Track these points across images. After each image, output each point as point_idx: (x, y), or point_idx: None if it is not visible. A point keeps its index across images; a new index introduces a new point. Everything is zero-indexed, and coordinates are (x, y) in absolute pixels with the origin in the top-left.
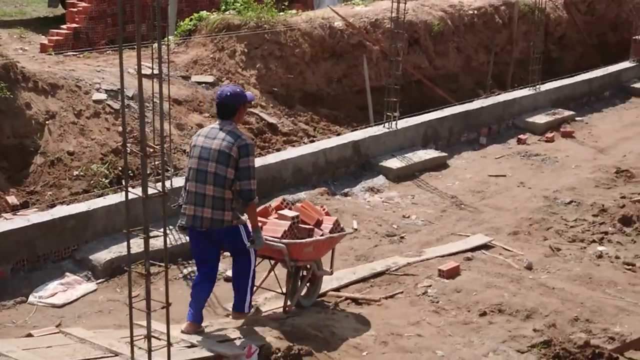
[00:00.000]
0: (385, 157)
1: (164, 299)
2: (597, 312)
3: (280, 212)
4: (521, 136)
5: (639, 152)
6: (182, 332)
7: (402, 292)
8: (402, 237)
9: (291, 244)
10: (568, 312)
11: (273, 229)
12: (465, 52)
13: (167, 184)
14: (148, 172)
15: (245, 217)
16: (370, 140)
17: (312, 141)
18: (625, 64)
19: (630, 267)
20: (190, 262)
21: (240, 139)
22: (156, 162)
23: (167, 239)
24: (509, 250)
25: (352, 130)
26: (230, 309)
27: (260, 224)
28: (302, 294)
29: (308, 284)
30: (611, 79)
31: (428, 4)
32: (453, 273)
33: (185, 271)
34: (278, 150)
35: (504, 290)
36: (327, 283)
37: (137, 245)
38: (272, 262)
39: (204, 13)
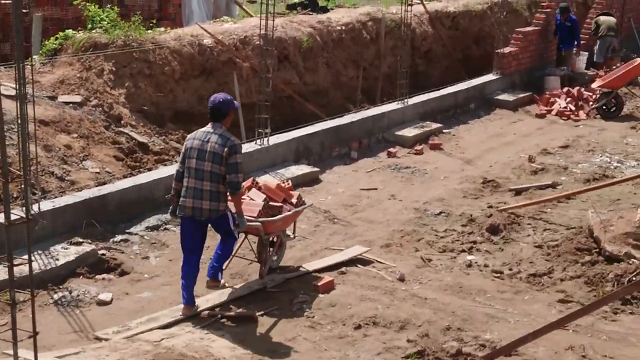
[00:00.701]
0: (257, 173)
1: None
2: (468, 321)
3: (250, 194)
4: (391, 149)
5: (504, 162)
6: (181, 315)
7: (277, 309)
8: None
9: (265, 221)
10: (440, 321)
11: (249, 209)
12: (335, 67)
13: (36, 207)
14: (16, 195)
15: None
16: (242, 157)
17: None
18: (489, 77)
19: (498, 274)
20: (60, 287)
21: (229, 141)
22: (22, 186)
23: (35, 264)
24: (381, 263)
25: None
26: (111, 332)
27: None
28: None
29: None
30: (476, 91)
31: (297, 20)
32: (328, 287)
33: (55, 296)
34: (150, 169)
35: (377, 302)
36: (203, 303)
37: (4, 272)
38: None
39: (69, 32)
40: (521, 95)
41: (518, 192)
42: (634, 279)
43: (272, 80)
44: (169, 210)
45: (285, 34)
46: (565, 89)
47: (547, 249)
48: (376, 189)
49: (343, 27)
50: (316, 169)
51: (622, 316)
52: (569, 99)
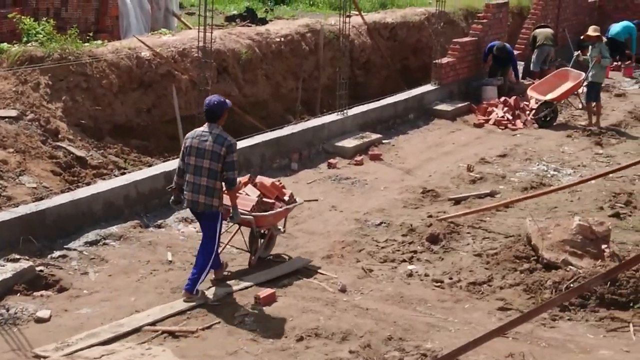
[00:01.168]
0: None
1: None
2: (409, 330)
3: (246, 190)
4: (331, 160)
5: (443, 172)
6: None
7: (219, 323)
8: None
9: (258, 215)
10: (382, 331)
11: (244, 203)
12: (274, 79)
13: None
14: None
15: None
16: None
17: (123, 173)
18: (428, 87)
19: (438, 284)
20: None
21: (227, 141)
22: None
23: None
24: (323, 274)
25: (163, 161)
26: (50, 349)
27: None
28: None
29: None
30: (415, 101)
31: (235, 32)
32: (269, 300)
33: None
34: (88, 184)
35: (319, 314)
36: (144, 318)
37: None
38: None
39: (4, 45)
40: (459, 105)
41: (457, 201)
42: (571, 285)
43: (211, 93)
44: (170, 200)
45: (224, 46)
46: (502, 99)
47: (486, 258)
48: (317, 200)
49: (282, 39)
50: None
51: (561, 323)
52: (506, 109)
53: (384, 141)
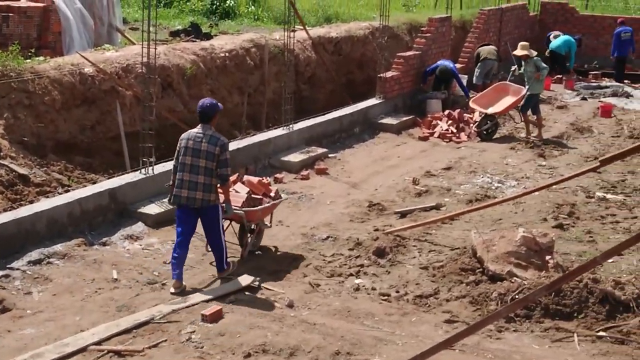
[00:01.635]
0: (143, 203)
1: None
2: (357, 345)
3: (235, 187)
4: (277, 175)
5: (389, 185)
6: (173, 289)
7: (166, 340)
8: (163, 284)
9: (248, 210)
10: (330, 346)
11: (234, 199)
12: (219, 94)
13: None
14: None
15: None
16: (127, 187)
17: (67, 191)
18: (373, 101)
19: (385, 297)
20: None
21: (220, 141)
22: None
23: None
24: (270, 290)
25: (108, 178)
26: None
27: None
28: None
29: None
30: (360, 115)
31: (180, 47)
32: (216, 317)
33: None
34: (31, 202)
35: (267, 330)
36: (89, 337)
37: None
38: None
39: None
40: (404, 119)
41: (403, 214)
42: (516, 297)
43: (156, 108)
44: (168, 198)
45: (168, 61)
46: (446, 112)
47: (432, 270)
48: None
49: (227, 54)
50: None
51: (507, 334)
52: (450, 122)
53: (330, 155)
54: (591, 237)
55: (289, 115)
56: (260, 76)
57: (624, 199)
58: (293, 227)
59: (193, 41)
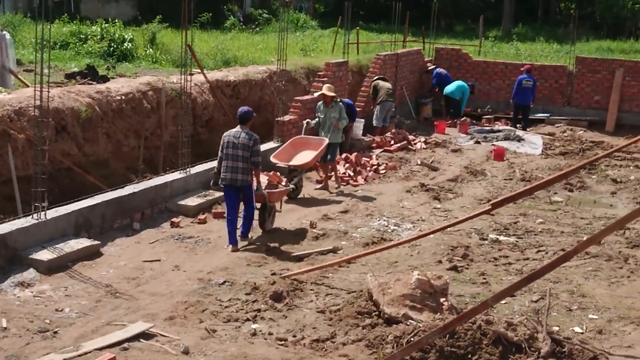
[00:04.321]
0: (35, 249)
1: None
2: None
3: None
4: (174, 219)
5: (287, 228)
6: (231, 251)
7: None
8: (55, 332)
9: (270, 192)
10: None
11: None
12: (116, 137)
13: None
14: None
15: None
16: (19, 232)
17: None
18: (270, 144)
19: (282, 342)
20: None
21: (253, 136)
22: None
23: None
24: (165, 336)
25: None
26: None
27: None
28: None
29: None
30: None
31: (74, 90)
32: None
33: None
34: None
35: None
36: None
37: None
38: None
39: None
40: None
41: (300, 258)
42: (412, 339)
43: (50, 152)
44: (211, 182)
45: (62, 104)
46: (343, 155)
47: (329, 314)
48: (159, 260)
49: (123, 97)
50: (97, 242)
51: None
52: (347, 165)
53: None
54: (485, 278)
55: (186, 159)
56: (158, 119)
57: (516, 241)
58: (189, 272)
59: (89, 84)
